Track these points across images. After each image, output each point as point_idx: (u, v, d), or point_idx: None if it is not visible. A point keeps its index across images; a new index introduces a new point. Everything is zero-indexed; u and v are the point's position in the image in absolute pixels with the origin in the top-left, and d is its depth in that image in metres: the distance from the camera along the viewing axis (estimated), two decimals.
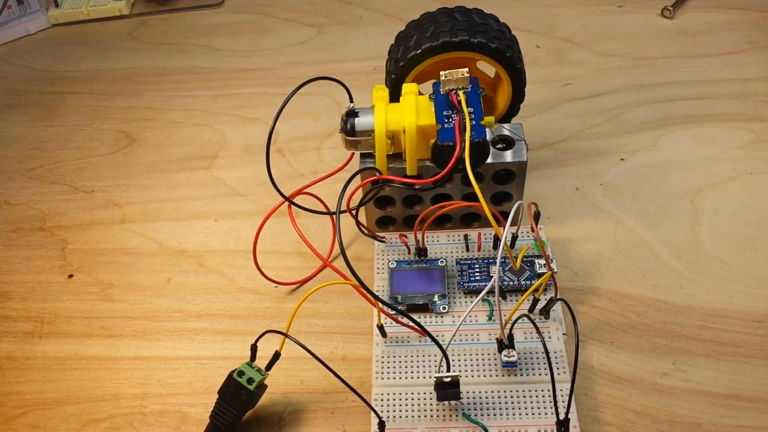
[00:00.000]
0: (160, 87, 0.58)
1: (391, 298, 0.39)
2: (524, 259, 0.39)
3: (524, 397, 0.35)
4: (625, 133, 0.50)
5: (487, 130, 0.38)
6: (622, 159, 0.48)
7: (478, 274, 0.40)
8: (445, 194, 0.41)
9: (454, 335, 0.37)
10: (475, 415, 0.34)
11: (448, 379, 0.33)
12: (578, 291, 0.41)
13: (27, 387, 0.39)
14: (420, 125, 0.37)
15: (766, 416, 0.35)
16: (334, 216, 0.43)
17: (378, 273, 0.41)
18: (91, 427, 0.37)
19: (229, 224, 0.47)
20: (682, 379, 0.36)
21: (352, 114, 0.38)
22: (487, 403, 0.35)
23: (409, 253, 0.41)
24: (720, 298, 0.40)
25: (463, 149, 0.35)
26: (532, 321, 0.33)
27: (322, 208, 0.43)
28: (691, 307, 0.39)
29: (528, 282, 0.39)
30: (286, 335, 0.34)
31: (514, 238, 0.40)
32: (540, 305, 0.38)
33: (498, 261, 0.34)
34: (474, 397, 0.35)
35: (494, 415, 0.34)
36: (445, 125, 0.36)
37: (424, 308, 0.39)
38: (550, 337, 0.37)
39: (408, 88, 0.38)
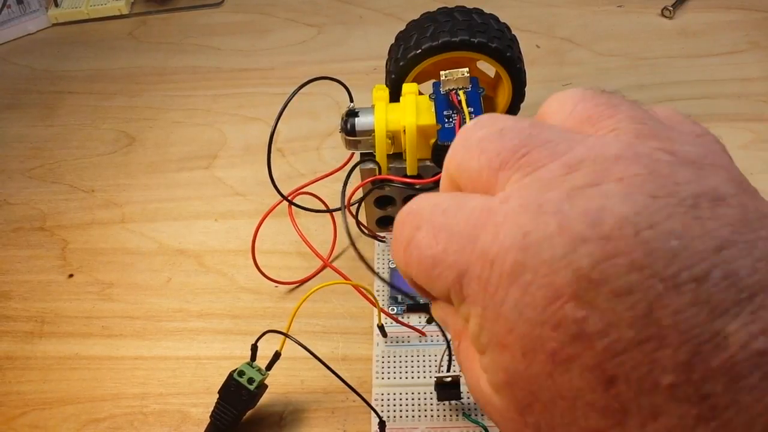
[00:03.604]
0: (160, 87, 0.58)
1: (392, 297, 0.39)
2: None
3: None
4: None
5: None
6: None
7: None
8: None
9: None
10: (476, 415, 0.34)
11: (448, 379, 0.33)
12: None
13: (27, 387, 0.39)
14: (420, 125, 0.37)
15: None
16: (335, 214, 0.43)
17: (378, 273, 0.41)
18: (91, 427, 0.37)
19: (230, 224, 0.47)
20: None
21: (352, 114, 0.38)
22: None
23: None
24: None
25: None
26: None
27: (322, 208, 0.43)
28: None
29: None
30: (286, 335, 0.34)
31: None
32: None
33: None
34: None
35: None
36: (446, 125, 0.36)
37: (425, 308, 0.39)
38: None
39: (408, 88, 0.38)
